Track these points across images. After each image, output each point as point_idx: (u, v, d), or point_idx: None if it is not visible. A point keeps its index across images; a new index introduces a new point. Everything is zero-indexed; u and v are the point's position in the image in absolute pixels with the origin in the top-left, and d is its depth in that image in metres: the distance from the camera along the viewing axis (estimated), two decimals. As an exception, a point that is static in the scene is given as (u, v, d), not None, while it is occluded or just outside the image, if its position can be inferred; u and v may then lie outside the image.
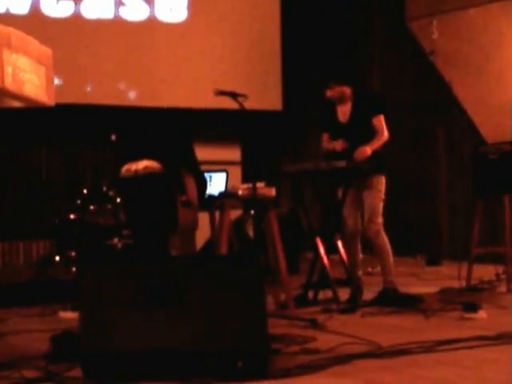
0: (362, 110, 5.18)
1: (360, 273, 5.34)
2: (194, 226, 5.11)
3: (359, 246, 5.31)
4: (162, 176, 4.89)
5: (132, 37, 8.50)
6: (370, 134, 5.15)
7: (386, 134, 5.16)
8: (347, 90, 5.23)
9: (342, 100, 5.26)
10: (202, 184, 5.05)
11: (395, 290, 5.18)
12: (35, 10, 7.99)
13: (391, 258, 5.21)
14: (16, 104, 2.33)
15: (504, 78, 7.86)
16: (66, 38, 7.93)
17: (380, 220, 5.16)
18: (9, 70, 2.07)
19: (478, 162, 5.87)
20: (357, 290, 5.19)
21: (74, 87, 8.19)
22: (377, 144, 5.11)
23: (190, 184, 5.04)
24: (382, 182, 5.18)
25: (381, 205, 5.16)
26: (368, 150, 5.04)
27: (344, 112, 5.25)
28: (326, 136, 5.40)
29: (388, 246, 5.19)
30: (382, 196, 5.17)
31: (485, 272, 6.02)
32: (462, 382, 2.96)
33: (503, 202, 5.70)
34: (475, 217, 5.85)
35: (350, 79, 5.35)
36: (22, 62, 2.13)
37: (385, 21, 9.32)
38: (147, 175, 4.88)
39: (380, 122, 5.16)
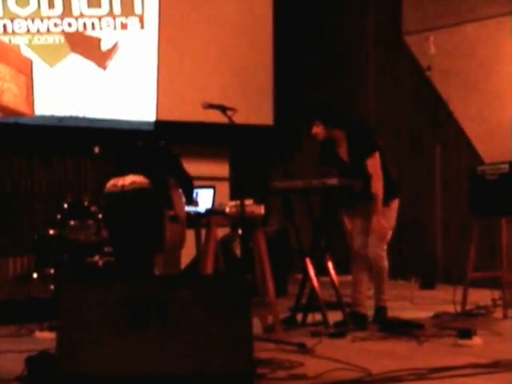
0: (357, 152, 5.27)
1: (363, 298, 5.37)
2: (181, 242, 5.11)
3: (365, 272, 5.35)
4: (150, 192, 4.89)
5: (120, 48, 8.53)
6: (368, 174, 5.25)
7: (378, 176, 5.21)
8: (338, 134, 5.32)
9: (333, 139, 5.35)
10: (189, 190, 5.07)
11: (386, 310, 5.29)
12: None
13: (387, 279, 5.34)
14: (-5, 114, 2.33)
15: (503, 96, 7.90)
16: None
17: (385, 247, 5.29)
18: (-13, 78, 2.07)
19: (476, 182, 5.88)
20: (348, 314, 5.20)
21: (55, 99, 8.20)
22: (378, 190, 5.17)
23: (178, 198, 5.04)
24: (393, 208, 5.32)
25: (390, 233, 5.29)
26: (381, 222, 5.16)
27: (343, 152, 5.35)
28: (335, 172, 5.40)
29: (387, 269, 5.31)
30: (393, 223, 5.30)
31: (480, 297, 6.02)
32: (455, 411, 2.96)
33: (500, 225, 5.72)
34: (471, 239, 5.86)
35: (342, 122, 5.38)
36: (2, 70, 2.12)
37: (380, 35, 9.37)
38: (134, 191, 4.87)
39: (373, 165, 5.23)
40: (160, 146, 5.24)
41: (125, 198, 4.88)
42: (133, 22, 8.62)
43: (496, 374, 3.58)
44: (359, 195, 5.20)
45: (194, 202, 5.22)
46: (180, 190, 5.14)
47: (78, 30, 8.37)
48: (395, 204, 5.34)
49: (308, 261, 5.17)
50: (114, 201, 4.98)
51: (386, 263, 5.29)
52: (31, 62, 2.55)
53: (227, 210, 4.85)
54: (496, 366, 3.70)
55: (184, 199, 5.16)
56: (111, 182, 4.99)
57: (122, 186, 4.88)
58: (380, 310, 5.28)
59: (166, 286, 3.27)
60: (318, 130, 5.31)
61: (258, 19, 9.23)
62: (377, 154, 5.26)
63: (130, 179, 4.88)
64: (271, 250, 5.05)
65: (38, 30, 8.21)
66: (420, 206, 8.75)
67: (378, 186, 5.19)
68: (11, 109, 2.24)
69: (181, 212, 4.97)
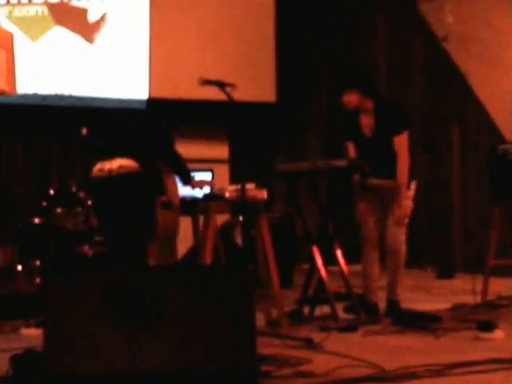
0: (385, 126, 5.32)
1: (375, 286, 5.45)
2: (174, 230, 5.13)
3: (376, 256, 5.44)
4: (139, 176, 4.89)
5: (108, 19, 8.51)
6: (394, 148, 5.32)
7: (405, 156, 5.30)
8: (369, 104, 5.35)
9: (360, 110, 5.38)
10: (185, 171, 5.07)
11: (399, 304, 5.34)
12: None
13: (403, 269, 5.42)
14: (-28, 92, 2.31)
15: (525, 68, 7.89)
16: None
17: (405, 230, 5.38)
18: (-36, 53, 2.07)
19: (497, 162, 5.88)
20: (358, 305, 5.24)
21: (38, 76, 8.18)
22: (404, 177, 5.26)
23: (171, 183, 5.05)
24: (412, 189, 5.40)
25: (408, 215, 5.38)
26: (406, 208, 5.30)
27: (367, 125, 5.39)
28: (351, 146, 5.49)
29: (405, 256, 5.39)
30: (411, 205, 5.39)
31: (502, 286, 6.03)
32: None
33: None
34: (492, 224, 5.87)
35: (375, 92, 5.46)
36: (-20, 44, 2.11)
37: (393, 3, 9.33)
38: (122, 175, 4.88)
39: (401, 142, 5.30)
40: (160, 127, 5.24)
41: (112, 183, 4.88)
42: (122, -10, 8.59)
43: (519, 370, 3.60)
44: (377, 174, 5.27)
45: (196, 183, 5.21)
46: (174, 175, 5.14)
47: (62, 0, 8.34)
48: (413, 185, 5.40)
49: (315, 249, 5.18)
50: (101, 186, 4.99)
51: (404, 248, 5.35)
52: (12, 35, 2.55)
53: (227, 194, 4.86)
54: (519, 361, 3.72)
55: (180, 183, 5.16)
56: (98, 166, 4.99)
57: (109, 171, 4.89)
58: (393, 303, 5.32)
59: (161, 277, 3.28)
60: (351, 97, 5.32)
61: (259, 4, 9.19)
62: (407, 132, 5.32)
63: (117, 163, 4.88)
64: (275, 237, 5.06)
65: (19, 1, 8.17)
66: (436, 189, 8.74)
67: (404, 168, 5.26)
68: (-10, 87, 2.23)
69: (174, 198, 4.98)
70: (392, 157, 5.26)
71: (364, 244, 5.44)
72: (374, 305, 5.34)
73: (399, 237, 5.32)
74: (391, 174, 5.26)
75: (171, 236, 5.23)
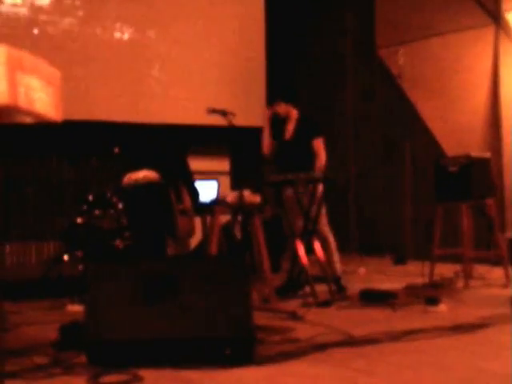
0: (304, 132, 5.34)
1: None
2: (190, 232, 5.11)
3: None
4: (159, 184, 4.88)
5: (135, 61, 8.50)
6: (309, 152, 5.34)
7: (323, 157, 5.33)
8: (293, 112, 5.39)
9: (286, 118, 5.41)
10: (195, 194, 5.04)
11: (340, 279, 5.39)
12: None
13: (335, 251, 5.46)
14: (28, 120, 2.32)
15: (461, 99, 7.92)
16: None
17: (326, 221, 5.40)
18: (21, 90, 2.06)
19: (440, 173, 5.89)
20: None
21: (82, 105, 8.17)
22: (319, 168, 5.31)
23: (185, 194, 5.03)
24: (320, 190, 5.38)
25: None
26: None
27: (289, 130, 5.40)
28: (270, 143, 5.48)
29: (334, 243, 5.44)
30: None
31: (445, 270, 6.04)
32: (424, 367, 2.97)
33: (461, 209, 5.73)
34: (436, 221, 5.87)
35: (297, 103, 5.48)
36: (34, 82, 2.11)
37: (358, 49, 9.37)
38: (146, 184, 4.86)
39: (319, 144, 5.33)
40: (176, 147, 5.23)
41: (138, 190, 4.87)
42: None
43: (458, 335, 3.60)
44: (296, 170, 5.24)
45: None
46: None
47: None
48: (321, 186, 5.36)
49: (298, 242, 5.17)
50: (129, 192, 4.98)
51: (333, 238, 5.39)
52: (59, 75, 2.54)
53: (228, 199, 4.85)
54: (458, 329, 3.72)
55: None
56: (127, 177, 4.99)
57: (136, 180, 4.88)
58: (338, 279, 5.36)
59: (178, 264, 3.27)
60: (279, 108, 5.35)
61: (251, 30, 9.19)
62: (322, 139, 5.34)
63: (142, 174, 4.88)
64: (267, 232, 5.06)
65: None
66: (393, 195, 8.74)
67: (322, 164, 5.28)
68: (42, 116, 2.23)
69: (188, 207, 4.97)
70: (306, 159, 5.31)
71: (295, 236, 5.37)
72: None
73: (327, 229, 5.37)
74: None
75: (189, 236, 5.21)
